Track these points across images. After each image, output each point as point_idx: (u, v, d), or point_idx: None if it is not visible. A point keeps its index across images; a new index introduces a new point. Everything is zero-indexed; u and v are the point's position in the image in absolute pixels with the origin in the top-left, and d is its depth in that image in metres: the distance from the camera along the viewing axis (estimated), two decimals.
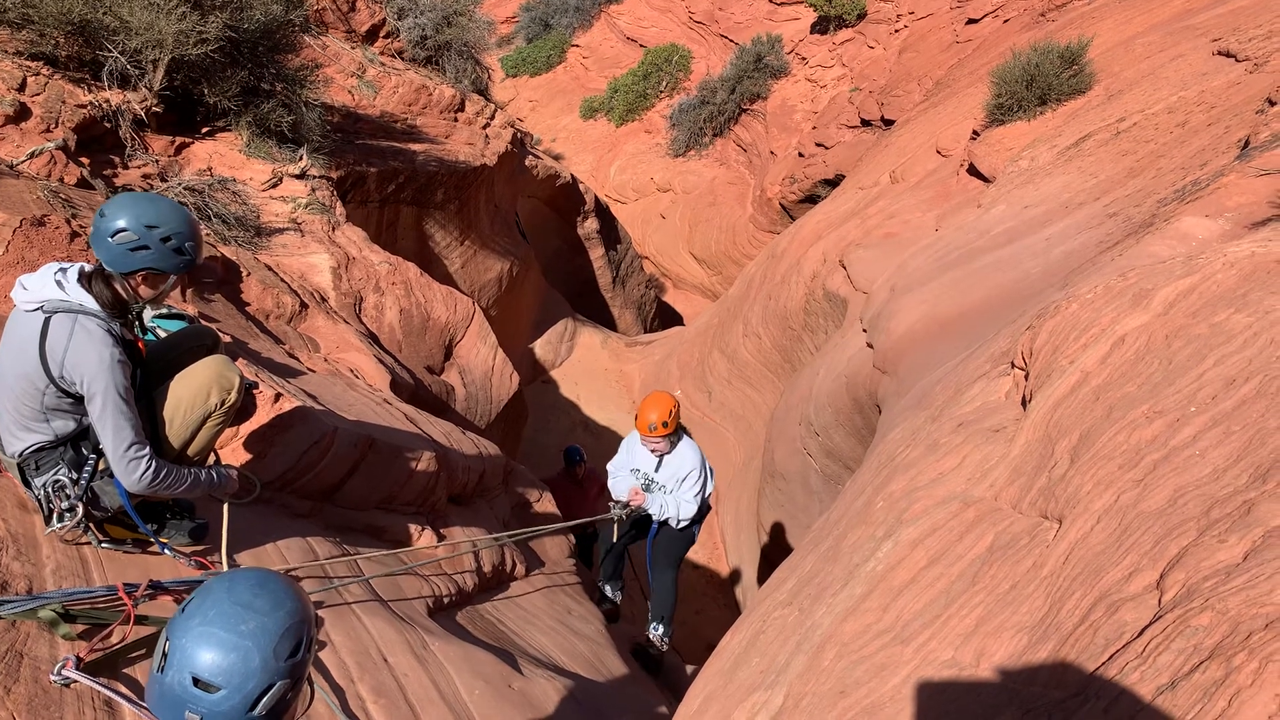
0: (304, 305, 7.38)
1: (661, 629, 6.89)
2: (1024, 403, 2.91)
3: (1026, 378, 2.98)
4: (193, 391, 3.34)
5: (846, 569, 2.47)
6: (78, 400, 3.04)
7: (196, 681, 1.63)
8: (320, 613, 3.91)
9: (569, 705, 4.56)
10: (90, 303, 2.98)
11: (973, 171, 12.61)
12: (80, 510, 3.22)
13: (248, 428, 4.81)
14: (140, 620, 3.09)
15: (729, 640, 2.83)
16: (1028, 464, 2.49)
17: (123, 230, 2.94)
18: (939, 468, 2.72)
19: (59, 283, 2.97)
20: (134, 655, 3.04)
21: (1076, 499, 2.17)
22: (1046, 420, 2.57)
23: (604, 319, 20.96)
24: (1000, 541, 2.22)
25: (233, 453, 4.65)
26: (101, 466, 3.23)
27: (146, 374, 3.31)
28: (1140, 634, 1.68)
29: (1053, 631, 1.84)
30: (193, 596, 1.74)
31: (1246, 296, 2.58)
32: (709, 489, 6.62)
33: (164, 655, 1.66)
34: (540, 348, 17.46)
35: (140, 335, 3.41)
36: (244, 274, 7.00)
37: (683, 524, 6.51)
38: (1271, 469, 1.90)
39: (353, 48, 13.34)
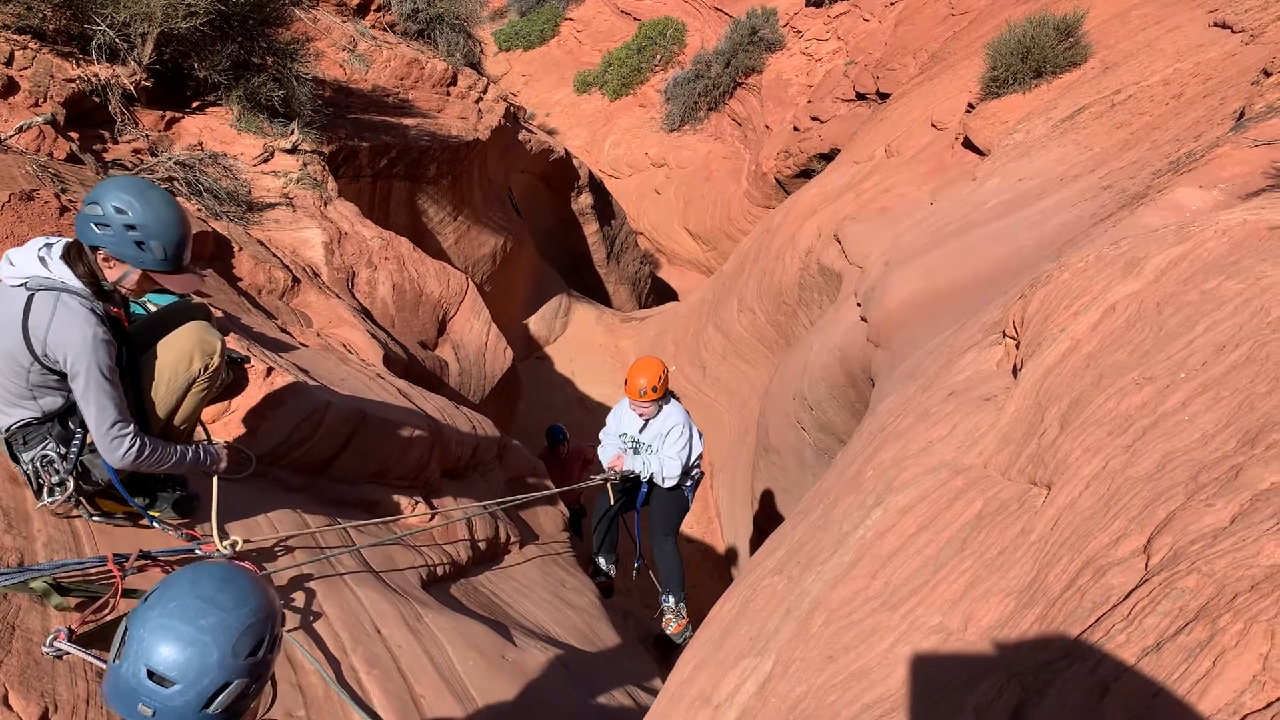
0: (296, 280, 7.36)
1: (673, 600, 6.97)
2: (1015, 371, 2.91)
3: (1018, 346, 2.98)
4: (175, 358, 3.32)
5: (836, 537, 2.48)
6: (64, 377, 3.03)
7: (151, 675, 1.57)
8: (312, 584, 3.93)
9: (562, 676, 4.58)
10: (73, 280, 2.96)
11: (968, 145, 12.57)
12: (70, 485, 3.22)
13: (240, 402, 4.81)
14: (129, 594, 3.10)
15: (719, 609, 2.84)
16: (1017, 431, 2.49)
17: (95, 204, 2.93)
18: (929, 436, 2.72)
19: (42, 259, 2.95)
20: None
21: (1065, 465, 2.18)
22: (1037, 388, 2.57)
23: (599, 295, 20.94)
24: (989, 508, 2.23)
25: (224, 427, 4.65)
26: (89, 441, 3.23)
27: (133, 348, 3.29)
28: (1127, 597, 1.69)
29: (1040, 596, 1.85)
30: (156, 587, 1.67)
31: (1238, 263, 2.57)
32: (696, 449, 6.68)
33: (121, 644, 1.61)
34: (535, 324, 17.44)
35: (126, 314, 3.39)
36: (235, 249, 6.97)
37: (669, 483, 6.56)
38: (1260, 434, 1.91)
39: (344, 21, 13.23)
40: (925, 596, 2.02)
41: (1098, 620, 1.67)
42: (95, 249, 3.00)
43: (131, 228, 2.94)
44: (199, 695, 1.58)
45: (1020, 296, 3.15)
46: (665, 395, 6.53)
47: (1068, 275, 2.98)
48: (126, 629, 1.61)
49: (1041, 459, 2.29)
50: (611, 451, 6.82)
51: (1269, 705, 1.37)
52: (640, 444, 6.65)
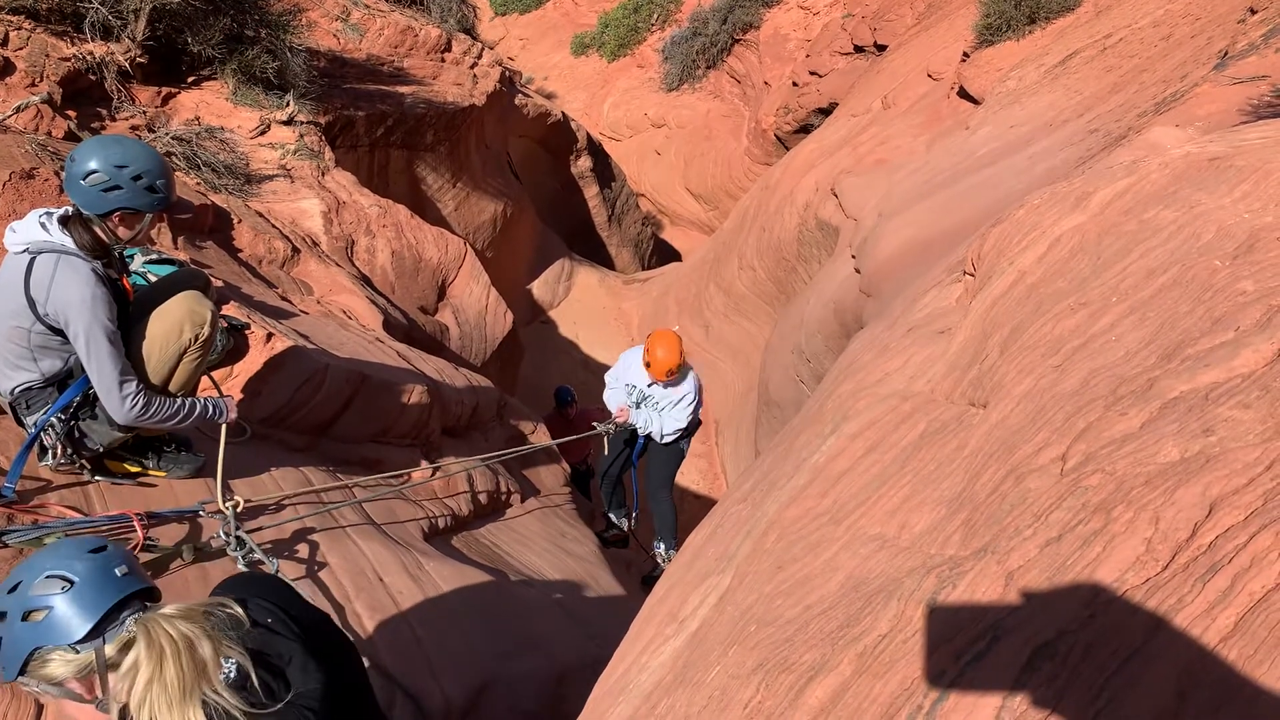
0: (296, 250, 7.49)
1: (663, 547, 7.20)
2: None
3: (974, 282, 3.10)
4: (166, 328, 3.42)
5: (795, 464, 2.62)
6: (65, 339, 3.16)
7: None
8: (316, 537, 4.10)
9: (557, 614, 4.77)
10: (71, 245, 3.09)
11: (963, 94, 12.57)
12: (59, 449, 3.37)
13: (241, 368, 4.96)
14: (150, 547, 3.28)
15: (694, 537, 3.01)
16: (963, 359, 2.62)
17: (94, 172, 3.03)
18: (885, 368, 2.86)
19: (43, 225, 3.08)
20: None
21: (1000, 386, 2.31)
22: (983, 318, 2.70)
23: (601, 258, 21.00)
24: (931, 429, 2.37)
25: (227, 392, 4.80)
26: (87, 404, 3.36)
27: (132, 316, 3.42)
28: (1040, 498, 1.83)
29: (967, 502, 1.99)
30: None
31: (1177, 193, 2.68)
32: (698, 408, 6.92)
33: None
34: (538, 288, 17.55)
35: (127, 276, 3.52)
36: (235, 221, 7.11)
37: (668, 438, 6.79)
38: (1177, 349, 2.03)
39: None
40: (868, 510, 2.17)
41: (1013, 520, 1.82)
42: (107, 215, 3.12)
43: (138, 177, 3.07)
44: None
45: (980, 236, 3.27)
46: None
47: (1023, 212, 3.09)
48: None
49: (980, 382, 2.42)
50: (618, 399, 7.03)
51: (1147, 580, 1.52)
52: (647, 398, 6.84)
